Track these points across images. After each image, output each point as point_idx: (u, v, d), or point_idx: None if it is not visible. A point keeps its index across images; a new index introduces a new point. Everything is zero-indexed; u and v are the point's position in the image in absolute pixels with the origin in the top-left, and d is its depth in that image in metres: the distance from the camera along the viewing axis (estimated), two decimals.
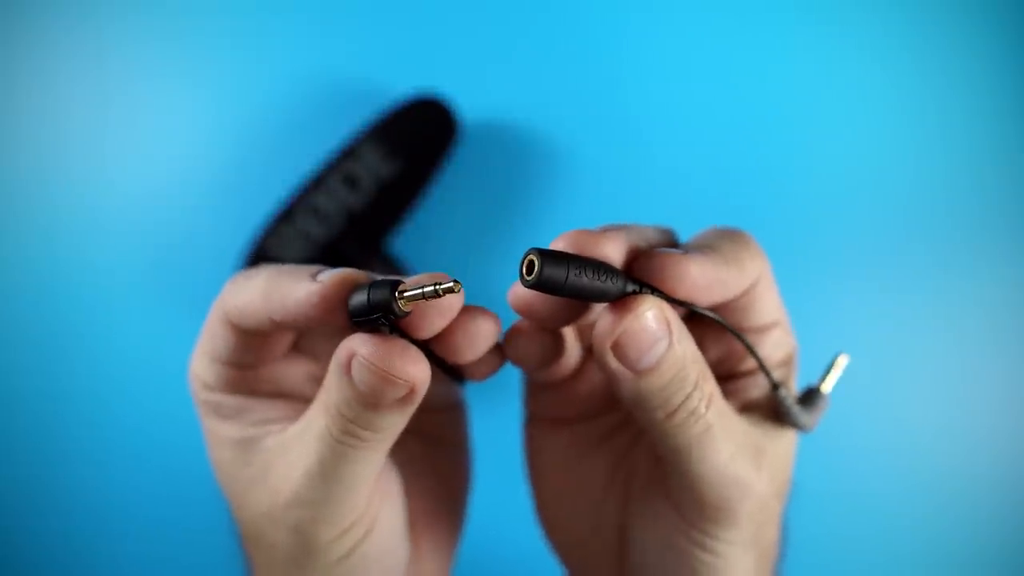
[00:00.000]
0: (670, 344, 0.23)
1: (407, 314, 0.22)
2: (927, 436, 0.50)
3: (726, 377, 0.28)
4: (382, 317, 0.21)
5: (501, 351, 0.27)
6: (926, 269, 0.49)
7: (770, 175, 0.50)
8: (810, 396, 0.28)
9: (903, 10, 0.49)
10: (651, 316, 0.23)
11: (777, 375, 0.28)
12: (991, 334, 0.49)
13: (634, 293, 0.23)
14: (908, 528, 0.50)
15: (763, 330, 0.27)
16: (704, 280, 0.24)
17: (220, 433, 0.27)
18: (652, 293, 0.23)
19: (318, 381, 0.29)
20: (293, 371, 0.29)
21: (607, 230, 0.24)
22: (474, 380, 0.28)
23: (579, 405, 0.30)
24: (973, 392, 0.50)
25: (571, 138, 0.49)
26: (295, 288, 0.23)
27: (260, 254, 0.46)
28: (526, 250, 0.22)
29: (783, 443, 0.27)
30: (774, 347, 0.27)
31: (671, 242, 0.27)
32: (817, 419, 0.28)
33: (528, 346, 0.27)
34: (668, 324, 0.23)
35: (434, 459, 0.31)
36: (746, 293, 0.26)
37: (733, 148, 0.49)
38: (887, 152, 0.49)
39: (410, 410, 0.23)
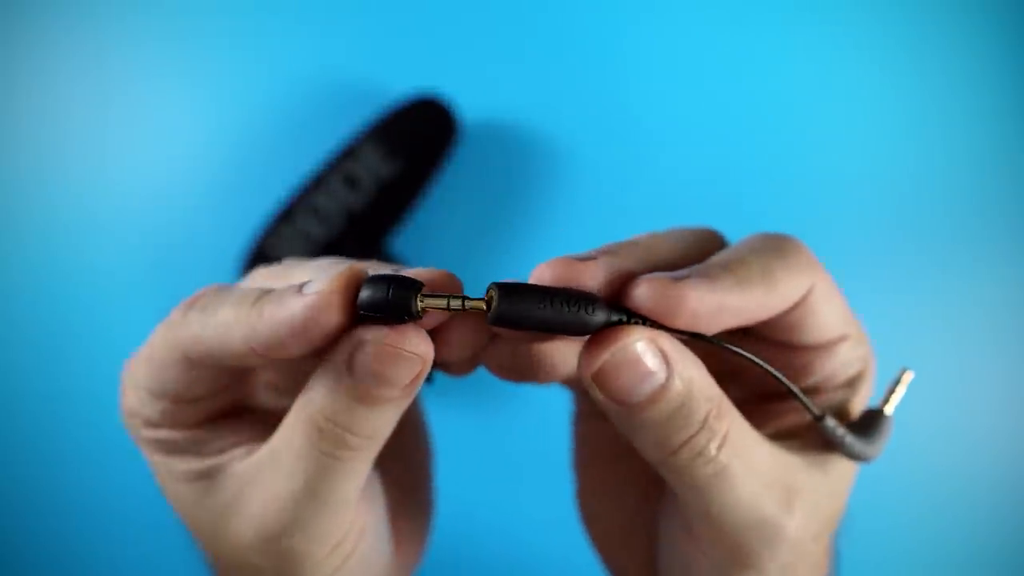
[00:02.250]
0: (669, 376, 0.20)
1: (421, 317, 0.20)
2: (927, 436, 0.50)
3: (771, 397, 0.25)
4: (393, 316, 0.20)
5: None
6: (926, 269, 0.49)
7: (769, 175, 0.50)
8: (870, 419, 0.24)
9: (903, 10, 0.49)
10: (639, 348, 0.20)
11: (842, 395, 0.24)
12: (991, 334, 0.49)
13: (619, 323, 0.20)
14: (908, 528, 0.50)
15: (825, 347, 0.24)
16: (705, 308, 0.20)
17: (175, 469, 0.24)
18: (644, 323, 0.20)
19: (277, 389, 0.27)
20: (247, 382, 0.26)
21: (592, 255, 0.21)
22: (452, 375, 0.26)
23: None
24: (973, 392, 0.50)
25: (571, 138, 0.49)
26: (282, 309, 0.20)
27: (260, 254, 0.46)
28: (488, 285, 0.20)
29: (831, 476, 0.24)
30: (842, 365, 0.24)
31: (697, 253, 0.23)
32: (881, 447, 0.24)
33: (502, 356, 0.24)
34: (664, 355, 0.20)
35: (397, 445, 0.29)
36: (795, 309, 0.23)
37: (733, 148, 0.49)
38: (887, 152, 0.49)
39: (406, 402, 0.22)
